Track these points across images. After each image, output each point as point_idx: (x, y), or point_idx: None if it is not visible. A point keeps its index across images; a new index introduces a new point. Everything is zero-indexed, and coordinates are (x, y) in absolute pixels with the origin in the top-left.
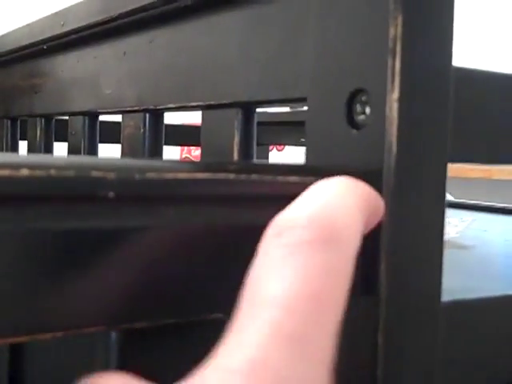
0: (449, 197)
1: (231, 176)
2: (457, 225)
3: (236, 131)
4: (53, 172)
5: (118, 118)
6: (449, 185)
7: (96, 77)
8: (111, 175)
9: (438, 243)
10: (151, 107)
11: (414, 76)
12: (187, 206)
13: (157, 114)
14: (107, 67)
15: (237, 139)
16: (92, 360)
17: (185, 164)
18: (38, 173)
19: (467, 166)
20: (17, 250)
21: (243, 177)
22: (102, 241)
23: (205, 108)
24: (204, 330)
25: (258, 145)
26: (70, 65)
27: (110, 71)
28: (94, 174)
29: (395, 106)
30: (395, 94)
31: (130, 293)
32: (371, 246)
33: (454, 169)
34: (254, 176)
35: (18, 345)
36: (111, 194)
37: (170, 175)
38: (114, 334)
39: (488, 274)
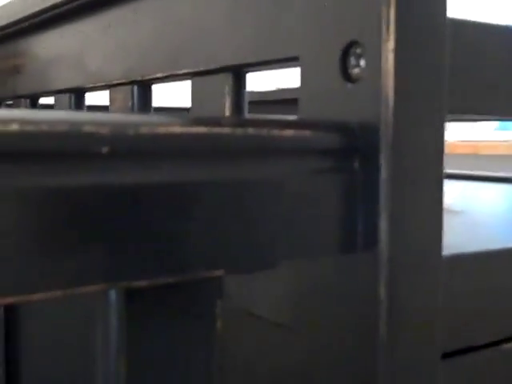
0: None
1: (226, 130)
2: (448, 192)
3: (227, 96)
4: (44, 127)
5: (105, 101)
6: None
7: (81, 52)
8: (104, 129)
9: (438, 195)
10: (139, 78)
11: (410, 25)
12: (182, 160)
13: (145, 86)
14: (92, 41)
15: (228, 105)
16: (92, 321)
17: (179, 119)
18: (28, 128)
19: (455, 143)
20: (8, 207)
21: (239, 131)
22: (97, 197)
23: (194, 75)
24: (205, 288)
25: None
26: (54, 42)
27: (95, 45)
28: (87, 128)
29: (391, 56)
30: (391, 44)
31: (129, 250)
32: (370, 202)
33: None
34: (250, 130)
35: (12, 306)
36: (105, 150)
37: (163, 130)
38: (113, 295)
39: (477, 234)
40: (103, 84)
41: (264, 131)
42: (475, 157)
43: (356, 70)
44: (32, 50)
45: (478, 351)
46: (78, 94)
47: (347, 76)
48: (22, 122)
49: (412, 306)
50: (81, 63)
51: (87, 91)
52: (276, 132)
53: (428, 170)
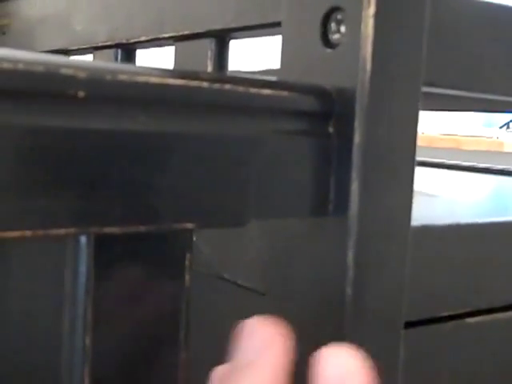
0: None
1: (205, 84)
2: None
3: (209, 61)
4: (21, 66)
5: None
6: (418, 154)
7: (67, 13)
8: (82, 74)
9: (409, 165)
10: (123, 41)
11: None
12: (158, 110)
13: (129, 50)
14: (78, 2)
15: (209, 70)
16: (61, 267)
17: (158, 70)
18: (4, 65)
19: (437, 136)
20: None
21: (217, 86)
22: (69, 141)
23: (178, 39)
24: (175, 241)
25: None
26: (39, 3)
27: (82, 6)
28: (64, 71)
29: (371, 22)
30: (371, 10)
31: (100, 196)
32: (343, 167)
33: (424, 138)
34: (228, 86)
35: None
36: (81, 94)
37: (141, 78)
38: (83, 240)
39: (450, 213)
40: (88, 46)
41: (241, 88)
42: (458, 152)
43: (336, 36)
44: (18, 10)
45: (441, 323)
46: (62, 55)
47: (327, 41)
48: None
49: (379, 272)
50: (66, 24)
51: (72, 53)
52: (253, 90)
53: (401, 137)
